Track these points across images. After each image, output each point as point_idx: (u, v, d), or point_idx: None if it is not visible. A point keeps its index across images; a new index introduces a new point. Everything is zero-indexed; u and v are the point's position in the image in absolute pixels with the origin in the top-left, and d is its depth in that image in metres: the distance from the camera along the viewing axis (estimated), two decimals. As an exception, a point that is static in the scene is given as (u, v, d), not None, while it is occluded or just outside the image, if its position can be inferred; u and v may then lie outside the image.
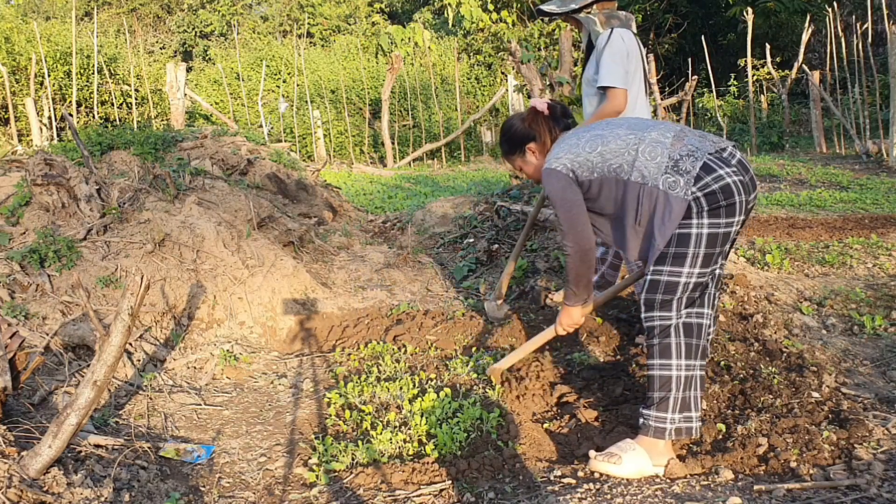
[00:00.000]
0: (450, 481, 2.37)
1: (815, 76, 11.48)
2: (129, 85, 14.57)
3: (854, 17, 12.05)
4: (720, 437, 2.49)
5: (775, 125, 13.90)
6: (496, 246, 5.09)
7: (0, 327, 2.72)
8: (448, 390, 2.96)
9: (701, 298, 2.32)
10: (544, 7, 3.69)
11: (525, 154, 2.69)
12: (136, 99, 14.52)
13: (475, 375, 3.20)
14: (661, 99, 13.40)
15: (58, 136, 12.40)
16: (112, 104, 14.28)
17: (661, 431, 2.28)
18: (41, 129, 11.86)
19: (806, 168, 9.00)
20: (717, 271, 2.41)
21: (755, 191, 2.38)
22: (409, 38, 13.79)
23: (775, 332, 3.27)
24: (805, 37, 13.02)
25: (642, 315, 2.36)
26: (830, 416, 2.49)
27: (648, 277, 2.33)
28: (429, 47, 14.22)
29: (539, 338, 2.92)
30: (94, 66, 13.56)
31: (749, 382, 2.77)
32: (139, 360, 3.36)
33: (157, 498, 2.32)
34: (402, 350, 3.61)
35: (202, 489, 2.46)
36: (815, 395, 2.64)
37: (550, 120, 2.66)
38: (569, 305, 2.64)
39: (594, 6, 3.60)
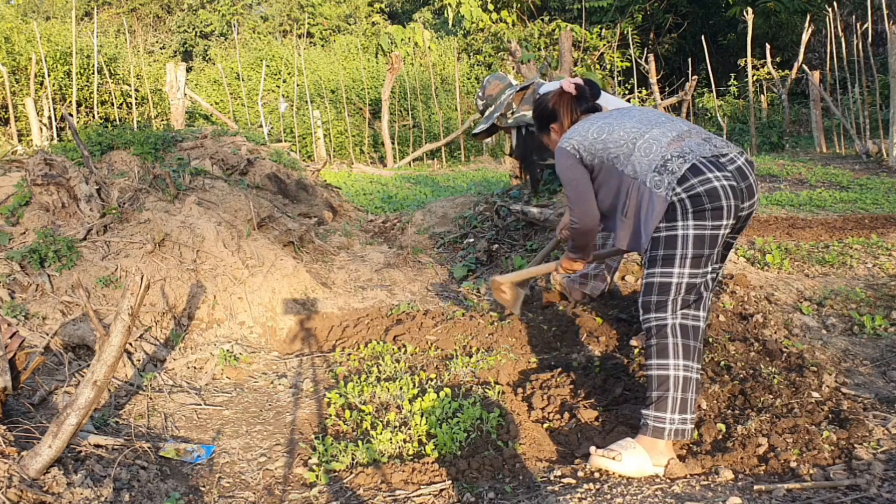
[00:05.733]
0: (450, 481, 2.37)
1: (815, 76, 11.48)
2: (129, 85, 14.57)
3: (854, 17, 12.05)
4: (720, 437, 2.49)
5: (775, 125, 13.90)
6: (496, 246, 5.10)
7: (0, 327, 2.71)
8: (448, 390, 2.96)
9: (697, 302, 2.33)
10: (477, 131, 3.93)
11: (550, 133, 2.81)
12: (136, 99, 14.51)
13: (474, 375, 3.20)
14: (662, 99, 13.41)
15: (58, 136, 12.39)
16: (112, 104, 14.28)
17: (659, 431, 2.28)
18: (41, 129, 11.85)
19: (806, 168, 8.99)
20: (711, 276, 2.41)
21: (752, 198, 2.39)
22: (409, 38, 13.82)
23: (775, 332, 3.27)
24: (805, 37, 13.02)
25: (640, 318, 2.39)
26: (830, 416, 2.49)
27: (643, 281, 2.39)
28: (429, 47, 14.23)
29: (540, 268, 3.28)
30: (94, 66, 13.56)
31: (749, 382, 2.77)
32: (139, 360, 3.36)
33: (157, 498, 2.32)
34: (402, 350, 3.61)
35: (202, 489, 2.46)
36: (815, 395, 2.64)
37: (574, 101, 2.73)
38: (571, 255, 2.86)
39: (513, 104, 3.69)
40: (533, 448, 2.55)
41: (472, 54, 15.54)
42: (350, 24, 27.55)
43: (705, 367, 2.91)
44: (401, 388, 3.08)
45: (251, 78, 18.07)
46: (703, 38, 13.91)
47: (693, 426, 2.33)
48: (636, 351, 3.23)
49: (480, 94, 3.86)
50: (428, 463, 2.47)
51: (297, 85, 16.22)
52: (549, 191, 5.20)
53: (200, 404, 3.17)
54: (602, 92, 3.41)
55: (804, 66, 12.54)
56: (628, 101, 13.28)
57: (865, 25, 10.84)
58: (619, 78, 14.40)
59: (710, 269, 2.35)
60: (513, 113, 3.73)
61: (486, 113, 3.83)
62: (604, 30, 13.83)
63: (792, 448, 2.30)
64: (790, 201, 6.69)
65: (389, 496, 2.32)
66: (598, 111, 2.75)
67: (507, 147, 6.52)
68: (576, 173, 2.53)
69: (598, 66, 12.96)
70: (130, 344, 3.40)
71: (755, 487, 2.10)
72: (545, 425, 2.74)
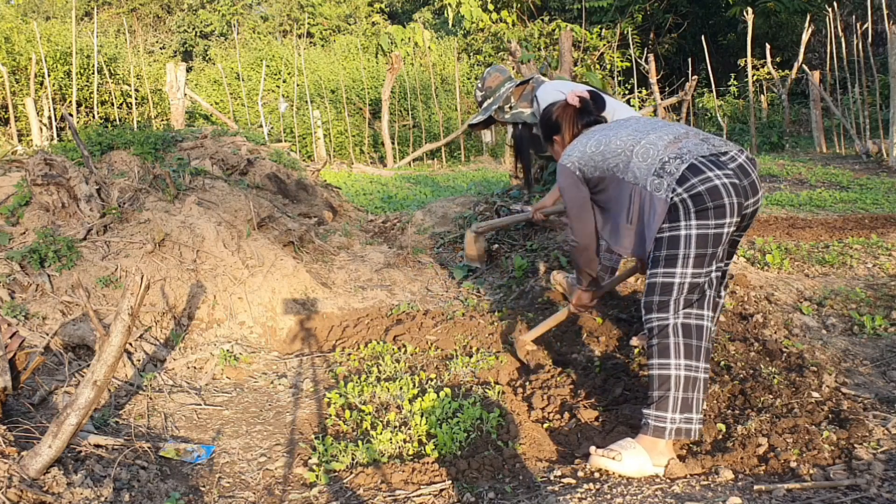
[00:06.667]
0: (450, 481, 2.37)
1: (815, 76, 11.48)
2: (129, 85, 14.57)
3: (854, 17, 12.05)
4: (720, 437, 2.49)
5: (775, 125, 13.90)
6: (496, 246, 5.09)
7: (0, 327, 2.71)
8: (448, 390, 2.96)
9: (700, 300, 2.33)
10: (473, 122, 3.98)
11: (553, 144, 2.85)
12: (136, 99, 14.51)
13: (475, 375, 3.20)
14: (662, 99, 13.40)
15: (58, 136, 12.39)
16: (112, 104, 14.28)
17: (660, 431, 2.28)
18: (41, 129, 11.85)
19: (806, 168, 8.99)
20: (716, 274, 2.41)
21: (756, 195, 2.39)
22: (409, 38, 13.82)
23: (775, 332, 3.27)
24: (805, 37, 13.02)
25: (643, 318, 2.39)
26: (830, 416, 2.49)
27: (646, 281, 2.39)
28: (429, 47, 14.24)
29: (556, 316, 3.27)
30: (94, 66, 13.55)
31: (749, 382, 2.77)
32: (139, 360, 3.36)
33: (157, 498, 2.32)
34: (402, 350, 3.61)
35: (202, 489, 2.46)
36: (815, 395, 2.64)
37: (577, 114, 2.74)
38: (579, 289, 2.94)
39: (512, 98, 3.72)
40: (533, 448, 2.55)
41: (472, 54, 15.54)
42: (350, 24, 27.55)
43: (708, 369, 2.91)
44: (401, 388, 3.09)
45: (251, 78, 18.07)
46: (703, 38, 13.91)
47: (700, 426, 2.32)
48: (636, 351, 3.23)
49: (480, 85, 3.89)
50: (428, 463, 2.47)
51: (297, 85, 16.22)
52: (550, 191, 5.19)
53: (200, 404, 3.17)
54: (611, 99, 3.43)
55: (804, 66, 12.54)
56: (628, 101, 13.30)
57: (865, 25, 10.83)
58: (619, 78, 14.39)
59: (713, 267, 2.35)
60: (511, 108, 3.76)
61: (485, 105, 3.86)
62: (604, 30, 13.83)
63: (792, 448, 2.30)
64: (790, 201, 6.69)
65: (389, 496, 2.32)
66: (603, 122, 2.76)
67: (508, 137, 6.57)
68: (575, 192, 2.57)
69: (598, 66, 12.96)
70: (130, 344, 3.40)
71: (755, 487, 2.10)
72: (545, 425, 2.74)
